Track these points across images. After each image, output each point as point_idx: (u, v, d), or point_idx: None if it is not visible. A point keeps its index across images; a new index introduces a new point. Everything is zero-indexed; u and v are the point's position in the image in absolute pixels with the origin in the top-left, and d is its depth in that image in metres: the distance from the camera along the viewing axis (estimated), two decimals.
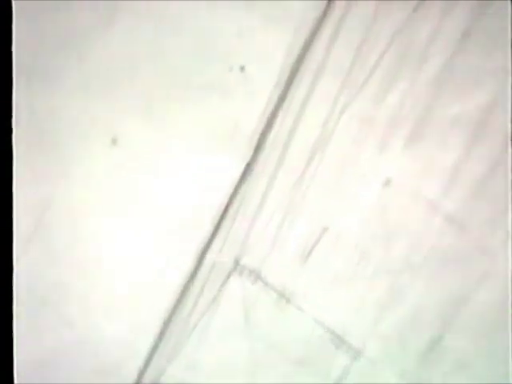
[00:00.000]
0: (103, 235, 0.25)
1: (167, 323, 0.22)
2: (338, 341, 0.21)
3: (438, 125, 0.21)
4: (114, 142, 0.22)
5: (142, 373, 0.25)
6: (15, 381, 0.33)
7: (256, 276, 0.22)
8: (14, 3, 0.31)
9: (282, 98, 0.21)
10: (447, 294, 0.21)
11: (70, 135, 0.23)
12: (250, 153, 0.22)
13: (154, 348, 0.24)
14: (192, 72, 0.22)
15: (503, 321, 0.22)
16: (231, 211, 0.21)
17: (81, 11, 0.28)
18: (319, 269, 0.21)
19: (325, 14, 0.23)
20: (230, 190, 0.22)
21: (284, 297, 0.22)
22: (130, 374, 0.26)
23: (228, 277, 0.22)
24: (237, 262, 0.21)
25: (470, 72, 0.22)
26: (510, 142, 0.28)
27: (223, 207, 0.22)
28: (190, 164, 0.22)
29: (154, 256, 0.23)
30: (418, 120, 0.21)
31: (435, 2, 0.23)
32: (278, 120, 0.21)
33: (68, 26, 0.26)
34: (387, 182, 0.21)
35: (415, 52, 0.22)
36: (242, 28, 0.21)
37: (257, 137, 0.21)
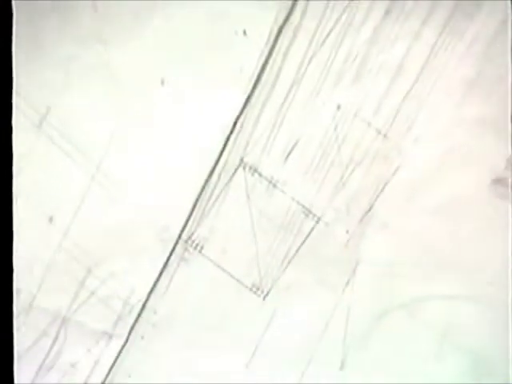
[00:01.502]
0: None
1: (195, 203, 0.32)
2: (307, 211, 0.31)
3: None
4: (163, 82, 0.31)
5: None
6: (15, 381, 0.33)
7: (254, 170, 0.31)
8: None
9: (270, 52, 0.31)
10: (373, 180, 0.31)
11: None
12: (250, 88, 0.31)
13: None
14: (208, 35, 0.32)
15: None
16: (237, 126, 0.31)
17: None
18: (295, 164, 0.31)
19: None
20: (236, 112, 0.31)
21: (272, 184, 0.31)
22: None
23: (235, 171, 0.31)
24: (241, 160, 0.31)
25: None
26: (510, 141, 0.32)
27: (232, 124, 0.31)
28: (210, 96, 0.31)
29: (180, 159, 0.32)
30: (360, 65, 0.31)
31: None
32: (269, 65, 0.31)
33: None
34: (338, 107, 0.31)
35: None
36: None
37: (254, 78, 0.31)
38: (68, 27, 0.30)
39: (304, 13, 0.30)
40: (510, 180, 0.30)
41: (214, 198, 0.30)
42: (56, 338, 0.32)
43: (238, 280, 0.31)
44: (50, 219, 0.31)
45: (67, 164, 0.31)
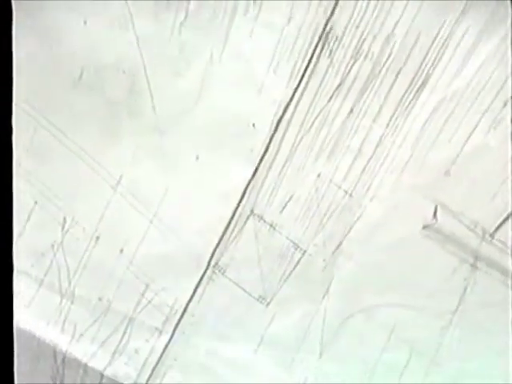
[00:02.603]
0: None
1: (220, 239, 0.44)
2: (296, 246, 0.43)
3: None
4: (197, 158, 0.43)
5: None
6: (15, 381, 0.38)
7: (260, 217, 0.43)
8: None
9: (271, 138, 0.43)
10: (342, 225, 0.43)
11: None
12: (257, 161, 0.43)
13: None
14: (230, 126, 0.43)
15: None
16: (249, 188, 0.43)
17: None
18: (289, 214, 0.43)
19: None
20: (248, 178, 0.43)
21: (272, 227, 0.43)
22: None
23: (247, 218, 0.43)
24: (252, 211, 0.43)
25: None
26: (509, 140, 0.38)
27: (245, 186, 0.43)
28: (229, 167, 0.43)
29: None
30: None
31: None
32: (271, 147, 0.43)
33: None
34: (319, 175, 0.43)
35: None
36: None
37: (260, 155, 0.43)
38: (133, 121, 0.40)
39: (296, 108, 0.42)
40: (435, 226, 0.41)
41: (233, 236, 0.42)
42: (125, 332, 0.44)
43: (249, 293, 0.42)
44: (121, 250, 0.43)
45: (133, 213, 0.43)
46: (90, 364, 0.42)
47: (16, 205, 0.41)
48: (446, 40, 0.37)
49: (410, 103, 0.38)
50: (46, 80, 0.39)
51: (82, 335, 0.42)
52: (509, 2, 0.36)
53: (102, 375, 0.41)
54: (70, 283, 0.41)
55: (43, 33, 0.39)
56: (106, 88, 0.39)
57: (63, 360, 0.41)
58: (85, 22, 0.39)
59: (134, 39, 0.39)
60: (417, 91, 0.38)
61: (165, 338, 0.42)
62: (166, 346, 0.42)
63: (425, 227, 0.39)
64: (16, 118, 0.39)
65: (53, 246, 0.41)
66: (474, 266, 0.39)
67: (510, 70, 0.37)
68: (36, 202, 0.41)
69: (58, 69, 0.39)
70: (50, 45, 0.39)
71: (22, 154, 0.40)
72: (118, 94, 0.39)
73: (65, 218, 0.41)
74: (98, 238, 0.41)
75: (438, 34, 0.37)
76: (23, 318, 0.42)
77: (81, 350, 0.42)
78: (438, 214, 0.39)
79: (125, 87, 0.39)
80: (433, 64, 0.38)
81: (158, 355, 0.42)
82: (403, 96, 0.38)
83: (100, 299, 0.42)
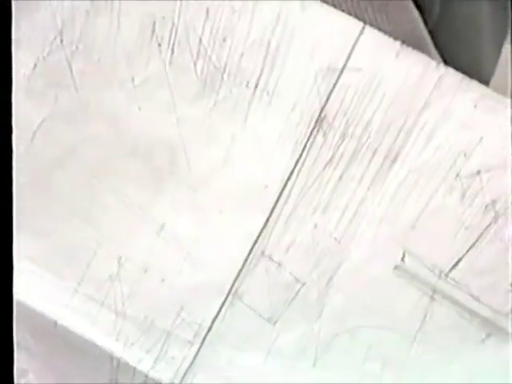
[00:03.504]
0: None
1: (238, 274, 0.55)
2: (297, 280, 0.55)
3: None
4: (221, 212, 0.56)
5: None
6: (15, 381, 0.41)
7: (269, 257, 0.55)
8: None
9: (280, 194, 0.55)
10: (332, 265, 0.55)
11: None
12: (267, 214, 0.55)
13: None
14: (248, 187, 0.56)
15: None
16: (262, 233, 0.55)
17: None
18: (292, 254, 0.55)
19: None
20: (261, 225, 0.55)
21: (279, 265, 0.55)
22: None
23: (259, 258, 0.55)
24: (263, 252, 0.55)
25: None
26: (510, 141, 0.44)
27: (259, 231, 0.55)
28: (245, 216, 0.55)
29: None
30: None
31: None
32: (280, 201, 0.55)
33: None
34: (315, 225, 0.55)
35: None
36: None
37: (271, 208, 0.55)
38: (172, 181, 0.55)
39: (298, 174, 0.53)
40: (403, 267, 0.52)
41: (248, 271, 0.52)
42: (164, 343, 0.54)
43: (260, 315, 0.51)
44: (163, 280, 0.55)
45: (172, 252, 0.54)
46: (137, 367, 0.53)
47: (82, 245, 0.53)
48: (411, 126, 0.49)
49: (385, 172, 0.49)
50: (108, 152, 0.51)
51: (132, 344, 0.53)
52: (509, 2, 0.42)
53: (146, 376, 0.53)
54: (123, 305, 0.53)
55: (109, 117, 0.51)
56: (152, 157, 0.51)
57: (118, 363, 0.53)
58: (139, 108, 0.51)
59: (175, 120, 0.51)
60: (390, 163, 0.49)
61: (195, 348, 0.51)
62: (196, 355, 0.51)
63: (396, 268, 0.48)
64: (86, 184, 0.51)
65: (110, 276, 0.53)
66: (432, 298, 0.50)
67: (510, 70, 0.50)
68: (98, 243, 0.53)
69: (117, 143, 0.51)
70: (113, 125, 0.51)
71: (88, 208, 0.52)
72: (161, 161, 0.51)
73: (120, 256, 0.53)
74: (145, 270, 0.52)
75: (405, 122, 0.49)
76: (88, 330, 0.54)
77: (131, 356, 0.53)
78: (406, 258, 0.49)
79: (167, 156, 0.51)
80: (402, 144, 0.49)
81: (190, 361, 0.51)
82: (380, 167, 0.49)
83: (145, 318, 0.51)
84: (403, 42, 0.46)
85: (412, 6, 0.47)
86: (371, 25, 0.46)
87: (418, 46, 0.42)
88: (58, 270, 0.52)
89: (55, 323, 0.52)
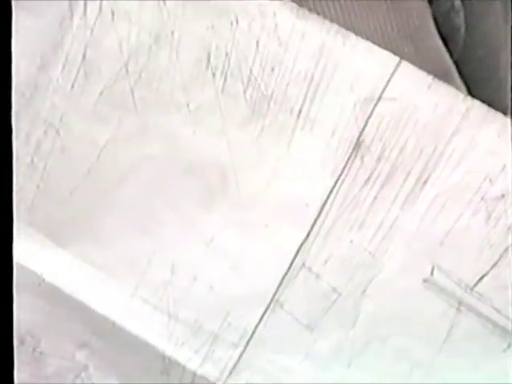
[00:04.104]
0: None
1: (281, 281, 0.61)
2: (333, 289, 0.60)
3: None
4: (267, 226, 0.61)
5: None
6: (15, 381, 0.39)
7: (309, 269, 0.61)
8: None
9: (320, 213, 0.60)
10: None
11: None
12: (307, 231, 0.60)
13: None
14: (285, 206, 0.61)
15: None
16: (303, 247, 0.60)
17: None
18: (329, 267, 0.60)
19: None
20: (300, 240, 0.61)
21: (317, 276, 0.61)
22: None
23: (300, 269, 0.61)
24: (303, 264, 0.60)
25: None
26: (510, 141, 0.47)
27: (299, 246, 0.60)
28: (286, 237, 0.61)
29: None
30: None
31: None
32: (318, 222, 0.60)
33: None
34: (351, 242, 0.60)
35: None
36: None
37: (309, 228, 0.60)
38: (223, 199, 0.60)
39: (336, 194, 0.58)
40: (432, 280, 0.57)
41: (289, 281, 0.58)
42: (211, 344, 0.58)
43: (299, 322, 0.55)
44: (211, 287, 0.60)
45: (218, 262, 0.60)
46: (187, 366, 0.59)
47: (140, 254, 0.58)
48: (441, 152, 0.54)
49: (417, 193, 0.54)
50: (165, 171, 0.57)
51: (182, 345, 0.58)
52: (509, 2, 0.44)
53: (195, 374, 0.58)
54: (175, 309, 0.59)
55: (165, 139, 0.56)
56: (205, 176, 0.56)
57: (169, 362, 0.58)
58: (193, 132, 0.56)
59: (226, 143, 0.56)
60: (422, 185, 0.54)
61: (239, 350, 0.54)
62: (240, 356, 0.55)
63: (425, 281, 0.53)
64: (144, 199, 0.57)
65: (164, 282, 0.58)
66: (458, 310, 0.54)
67: (509, 70, 0.51)
68: (154, 253, 0.59)
69: (173, 163, 0.57)
70: (169, 147, 0.57)
71: (146, 221, 0.58)
72: (213, 180, 0.56)
73: (173, 265, 0.58)
74: (195, 278, 0.58)
75: (436, 148, 0.54)
76: (142, 330, 0.59)
77: (181, 356, 0.58)
78: (435, 272, 0.53)
79: (218, 176, 0.56)
80: (433, 168, 0.53)
81: (234, 362, 0.55)
82: (413, 188, 0.54)
83: (195, 321, 0.56)
84: (435, 76, 0.51)
85: (438, 39, 0.52)
86: (401, 57, 0.51)
87: (445, 77, 0.46)
88: (118, 276, 0.58)
89: (113, 323, 0.58)
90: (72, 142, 0.55)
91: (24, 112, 0.55)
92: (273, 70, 0.53)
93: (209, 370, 0.57)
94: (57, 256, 0.56)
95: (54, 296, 0.50)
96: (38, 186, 0.56)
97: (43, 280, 0.50)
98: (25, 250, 0.49)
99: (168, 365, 0.58)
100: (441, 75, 0.45)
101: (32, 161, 0.56)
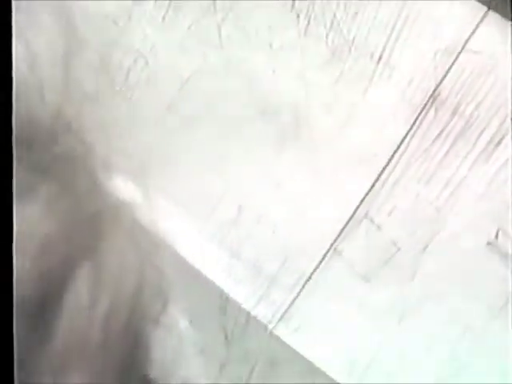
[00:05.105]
0: None
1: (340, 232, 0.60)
2: (394, 243, 0.59)
3: None
4: None
5: None
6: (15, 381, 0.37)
7: (371, 219, 0.60)
8: None
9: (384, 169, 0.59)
10: None
11: None
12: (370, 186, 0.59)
13: None
14: None
15: None
16: (367, 196, 0.59)
17: None
18: (391, 219, 0.59)
19: None
20: (366, 189, 0.60)
21: (378, 227, 0.59)
22: None
23: (362, 219, 0.59)
24: (366, 214, 0.59)
25: None
26: (510, 142, 0.48)
27: (365, 194, 0.59)
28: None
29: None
30: None
31: None
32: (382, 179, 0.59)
33: None
34: None
35: None
36: None
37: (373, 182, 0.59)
38: (296, 143, 0.60)
39: (407, 146, 0.57)
40: (495, 244, 0.54)
41: (350, 231, 0.58)
42: (268, 286, 0.61)
43: (356, 272, 0.58)
44: (273, 231, 0.61)
45: (281, 204, 0.61)
46: (242, 305, 0.59)
47: (210, 191, 0.60)
48: None
49: (489, 153, 0.52)
50: (240, 109, 0.58)
51: (241, 283, 0.59)
52: (508, 2, 0.44)
53: (249, 313, 0.58)
54: (238, 247, 0.59)
55: (246, 75, 0.58)
56: (279, 118, 0.56)
57: (226, 299, 0.59)
58: (273, 71, 0.57)
59: (303, 85, 0.56)
60: (495, 145, 0.52)
61: (293, 294, 0.55)
62: (294, 300, 0.56)
63: (488, 243, 0.51)
64: (218, 138, 0.58)
65: (231, 222, 0.59)
66: None
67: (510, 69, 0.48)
68: (224, 191, 0.60)
69: (249, 101, 0.58)
70: (248, 83, 0.58)
71: (218, 160, 0.59)
72: (287, 122, 0.56)
73: (240, 205, 0.59)
74: (260, 220, 0.57)
75: None
76: (205, 265, 0.60)
77: (238, 294, 0.59)
78: (499, 235, 0.51)
79: (292, 118, 0.56)
80: (508, 128, 0.52)
81: (287, 306, 0.56)
82: (485, 147, 0.52)
83: (256, 262, 0.56)
84: None
85: None
86: (489, 7, 0.49)
87: None
88: (188, 211, 0.59)
89: (179, 256, 0.59)
90: (158, 73, 0.57)
91: (116, 41, 0.57)
92: (356, 15, 0.53)
93: (262, 312, 0.57)
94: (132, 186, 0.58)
95: None
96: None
97: None
98: None
99: (225, 302, 0.58)
100: None
101: (120, 89, 0.58)
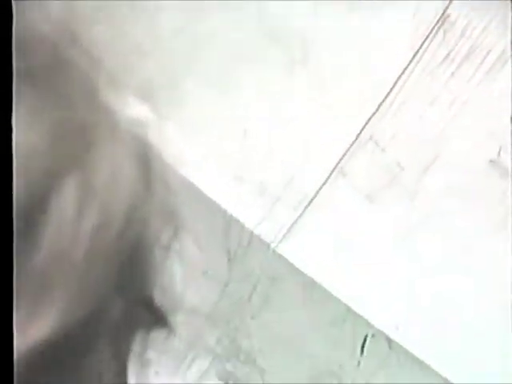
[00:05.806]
0: None
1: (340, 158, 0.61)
2: (399, 166, 0.60)
3: None
4: None
5: None
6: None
7: (375, 142, 0.61)
8: None
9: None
10: None
11: None
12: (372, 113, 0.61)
13: None
14: None
15: None
16: (371, 120, 0.60)
17: None
18: (396, 141, 0.60)
19: None
20: (371, 113, 0.61)
21: (381, 148, 0.60)
22: None
23: (366, 142, 0.60)
24: (371, 136, 0.60)
25: None
26: (510, 142, 0.51)
27: (369, 117, 0.60)
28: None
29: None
30: None
31: None
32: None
33: None
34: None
35: None
36: None
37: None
38: (307, 76, 0.61)
39: (415, 66, 0.58)
40: (497, 161, 0.55)
41: (354, 152, 0.59)
42: (272, 205, 0.62)
43: (359, 191, 0.59)
44: (277, 152, 0.62)
45: (287, 128, 0.62)
46: (245, 224, 0.60)
47: (215, 114, 0.60)
48: None
49: (495, 73, 0.53)
50: (250, 34, 0.59)
51: (244, 203, 0.60)
52: (509, 2, 0.46)
53: (252, 232, 0.59)
54: (242, 169, 0.60)
55: (260, 2, 0.58)
56: (289, 46, 0.57)
57: (230, 217, 0.60)
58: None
59: (314, 15, 0.57)
60: (502, 65, 0.53)
61: (297, 213, 0.58)
62: (297, 219, 0.57)
63: (491, 161, 0.53)
64: (228, 62, 0.58)
65: (236, 145, 0.60)
66: None
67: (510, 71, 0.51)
68: (229, 115, 0.60)
69: (259, 27, 0.59)
70: (261, 12, 0.58)
71: (226, 83, 0.60)
72: (296, 51, 0.57)
73: (245, 129, 0.60)
74: (265, 143, 0.58)
75: None
76: (209, 186, 0.61)
77: (241, 214, 0.60)
78: (501, 153, 0.54)
79: (302, 49, 0.57)
80: None
81: (290, 224, 0.59)
82: (492, 66, 0.54)
83: (261, 183, 0.58)
84: None
85: None
86: None
87: None
88: (193, 134, 0.60)
89: (184, 179, 0.60)
90: None
91: None
92: None
93: (264, 231, 0.58)
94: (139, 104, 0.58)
95: None
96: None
97: None
98: None
99: (229, 222, 0.59)
100: None
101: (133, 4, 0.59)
